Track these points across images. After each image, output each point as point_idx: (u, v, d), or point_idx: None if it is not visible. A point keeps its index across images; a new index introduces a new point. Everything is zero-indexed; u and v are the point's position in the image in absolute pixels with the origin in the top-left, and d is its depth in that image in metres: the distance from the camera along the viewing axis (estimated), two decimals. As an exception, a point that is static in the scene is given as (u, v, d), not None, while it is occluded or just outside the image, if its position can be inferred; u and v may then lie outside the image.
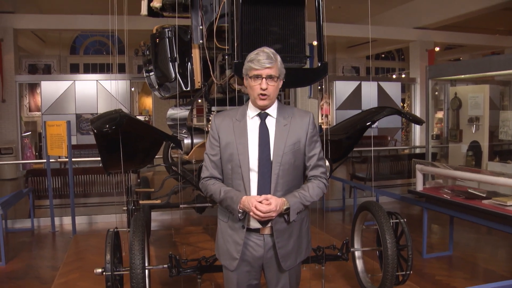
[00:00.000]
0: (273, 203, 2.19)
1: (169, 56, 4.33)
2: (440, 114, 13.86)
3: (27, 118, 15.33)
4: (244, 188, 2.30)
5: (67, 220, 6.97)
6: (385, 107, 4.07)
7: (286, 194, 2.31)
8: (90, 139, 12.38)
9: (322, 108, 15.24)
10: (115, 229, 3.51)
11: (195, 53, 4.14)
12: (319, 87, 13.44)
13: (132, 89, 14.42)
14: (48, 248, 5.96)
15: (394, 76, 20.06)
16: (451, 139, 7.92)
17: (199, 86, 4.21)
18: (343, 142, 3.99)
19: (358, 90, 14.57)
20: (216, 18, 3.46)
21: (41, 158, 11.82)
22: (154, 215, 6.91)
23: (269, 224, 2.32)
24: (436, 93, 13.29)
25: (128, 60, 16.93)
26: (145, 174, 8.20)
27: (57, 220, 6.88)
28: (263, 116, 2.35)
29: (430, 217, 5.88)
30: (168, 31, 4.36)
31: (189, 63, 4.28)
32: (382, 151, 11.74)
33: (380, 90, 14.66)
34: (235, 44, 3.09)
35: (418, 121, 4.14)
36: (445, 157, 8.22)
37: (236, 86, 3.52)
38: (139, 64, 16.65)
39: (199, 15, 3.88)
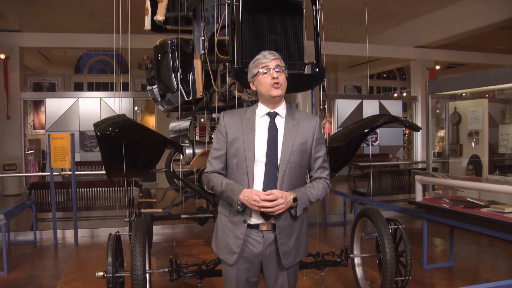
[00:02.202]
0: (279, 195, 2.24)
1: (172, 67, 4.43)
2: (441, 133, 13.90)
3: (31, 136, 15.42)
4: (248, 183, 2.33)
5: (69, 233, 7.02)
6: (383, 114, 4.15)
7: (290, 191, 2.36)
8: (93, 156, 12.49)
9: (324, 127, 15.31)
10: (117, 233, 3.56)
11: (197, 63, 4.25)
12: (320, 107, 13.55)
13: (135, 108, 14.53)
14: (50, 259, 5.98)
15: (395, 95, 20.16)
16: (452, 154, 7.98)
17: (200, 95, 4.31)
18: (342, 149, 4.04)
19: (359, 108, 14.68)
20: (217, 30, 3.56)
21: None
22: (156, 228, 6.94)
23: (272, 221, 2.35)
24: (438, 111, 13.35)
25: (131, 79, 17.12)
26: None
27: (59, 233, 6.92)
28: (272, 115, 2.42)
29: (430, 231, 5.88)
30: (170, 42, 4.47)
31: (190, 73, 4.38)
32: (383, 167, 11.76)
33: (382, 108, 14.76)
34: (235, 51, 3.17)
35: (415, 128, 4.19)
36: (446, 172, 8.25)
37: (236, 93, 3.60)
38: (142, 82, 16.82)
39: (201, 26, 4.00)
